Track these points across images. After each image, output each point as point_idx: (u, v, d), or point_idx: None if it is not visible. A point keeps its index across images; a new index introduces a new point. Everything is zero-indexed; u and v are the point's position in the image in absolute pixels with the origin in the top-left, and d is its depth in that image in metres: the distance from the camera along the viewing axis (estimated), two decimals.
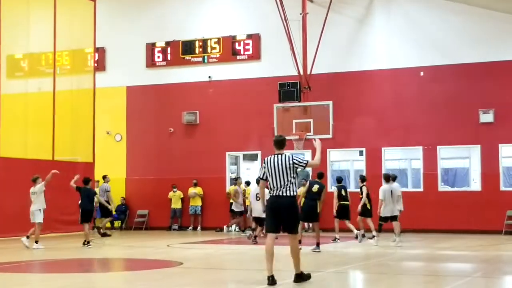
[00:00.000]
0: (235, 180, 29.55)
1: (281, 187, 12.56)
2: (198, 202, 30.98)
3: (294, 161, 12.66)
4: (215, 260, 18.50)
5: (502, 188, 28.01)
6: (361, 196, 23.70)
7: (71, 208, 28.94)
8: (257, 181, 20.17)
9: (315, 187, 20.00)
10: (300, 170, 13.26)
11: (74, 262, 18.84)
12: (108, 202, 28.31)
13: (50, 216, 26.13)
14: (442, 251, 20.61)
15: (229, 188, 29.83)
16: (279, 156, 12.77)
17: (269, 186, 12.79)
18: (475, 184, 28.81)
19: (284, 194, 12.55)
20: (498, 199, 27.57)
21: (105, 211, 28.75)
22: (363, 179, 24.35)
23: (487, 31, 28.41)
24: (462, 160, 30.04)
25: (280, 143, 13.09)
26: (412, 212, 27.94)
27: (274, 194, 12.67)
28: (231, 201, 28.97)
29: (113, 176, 31.77)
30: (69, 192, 28.78)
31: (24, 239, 22.22)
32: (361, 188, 23.98)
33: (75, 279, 14.56)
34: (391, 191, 22.60)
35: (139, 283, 13.86)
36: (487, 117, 28.07)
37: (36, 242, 21.80)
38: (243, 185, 29.34)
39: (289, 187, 12.58)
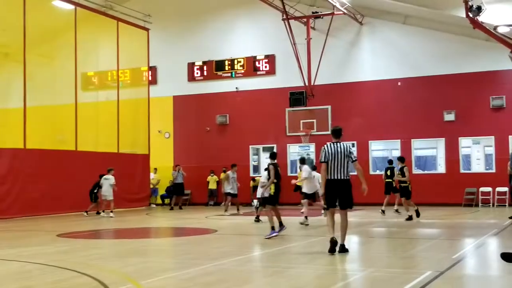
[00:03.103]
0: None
1: (340, 171, 11.63)
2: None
3: (350, 150, 11.84)
4: (244, 228, 18.59)
5: (462, 171, 28.01)
6: (398, 175, 20.52)
7: (132, 190, 29.31)
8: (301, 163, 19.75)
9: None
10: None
11: (136, 230, 19.03)
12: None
13: (117, 196, 26.45)
14: (416, 220, 20.59)
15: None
16: (339, 143, 11.79)
17: (328, 170, 11.68)
18: (440, 168, 28.78)
19: (343, 177, 11.64)
20: (459, 179, 27.57)
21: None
22: (402, 160, 20.80)
23: (449, 50, 28.34)
24: (430, 150, 29.94)
25: (338, 133, 11.99)
26: None
27: (333, 177, 11.67)
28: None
29: (163, 164, 32.01)
30: (131, 177, 29.22)
31: (102, 213, 23.26)
32: (402, 168, 20.30)
33: (137, 243, 14.74)
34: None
35: (184, 246, 14.01)
36: (449, 117, 28.05)
37: (104, 211, 23.94)
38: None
39: (346, 170, 11.68)
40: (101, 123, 28.74)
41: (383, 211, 22.16)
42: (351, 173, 11.87)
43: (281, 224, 15.32)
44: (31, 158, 24.61)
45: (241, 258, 11.53)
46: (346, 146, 11.84)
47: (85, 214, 24.17)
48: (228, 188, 24.69)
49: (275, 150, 30.86)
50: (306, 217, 18.43)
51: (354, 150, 29.27)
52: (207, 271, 10.11)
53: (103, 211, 24.02)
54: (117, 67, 30.00)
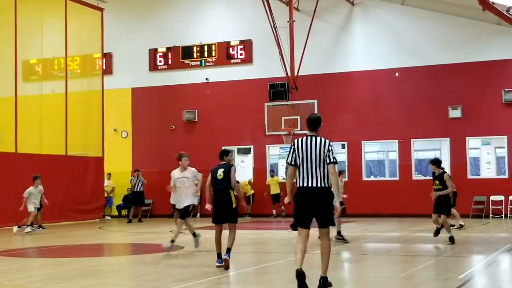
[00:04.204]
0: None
1: (317, 176, 9.68)
2: (197, 192, 30.90)
3: (330, 148, 9.81)
4: (213, 244, 18.47)
5: (469, 176, 28.23)
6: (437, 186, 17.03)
7: (83, 199, 29.07)
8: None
9: (220, 173, 13.38)
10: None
11: (87, 247, 18.85)
12: None
13: (64, 206, 26.27)
14: (416, 234, 20.73)
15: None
16: (314, 138, 9.90)
17: (298, 174, 9.82)
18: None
19: (321, 185, 9.67)
20: (466, 186, 27.64)
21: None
22: (438, 163, 17.47)
23: (454, 36, 28.53)
24: (433, 152, 30.11)
25: (315, 122, 10.16)
26: (389, 198, 28.21)
27: (305, 185, 9.71)
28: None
29: (119, 169, 31.81)
30: (81, 184, 28.98)
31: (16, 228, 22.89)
32: (440, 176, 17.03)
33: (87, 263, 14.57)
34: None
35: (144, 266, 13.90)
36: (455, 113, 28.23)
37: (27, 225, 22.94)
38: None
39: (326, 175, 9.72)
40: (46, 120, 28.45)
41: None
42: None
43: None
44: None
45: (210, 279, 11.45)
46: (325, 141, 9.88)
47: (34, 228, 23.57)
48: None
49: (252, 151, 30.94)
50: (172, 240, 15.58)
51: (344, 152, 29.37)
52: None
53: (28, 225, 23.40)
54: (65, 54, 29.71)
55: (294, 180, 9.98)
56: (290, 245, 17.19)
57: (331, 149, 9.81)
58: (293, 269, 9.01)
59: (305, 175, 9.76)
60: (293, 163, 9.87)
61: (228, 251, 12.71)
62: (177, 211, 16.08)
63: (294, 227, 10.29)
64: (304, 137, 9.92)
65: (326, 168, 9.74)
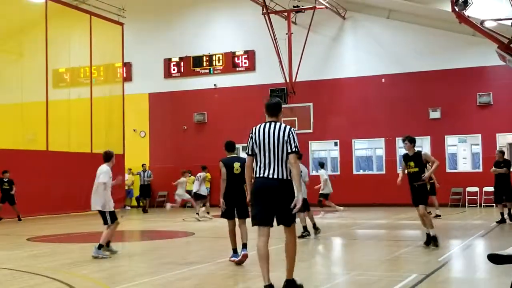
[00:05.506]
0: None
1: (275, 165, 7.75)
2: (207, 184, 30.90)
3: (291, 134, 7.79)
4: (221, 231, 18.44)
5: (448, 170, 28.15)
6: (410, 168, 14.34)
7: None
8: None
9: (237, 167, 11.45)
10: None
11: None
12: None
13: (90, 198, 26.21)
14: (400, 221, 20.71)
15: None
16: (273, 123, 7.97)
17: (256, 164, 7.92)
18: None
19: (280, 176, 7.70)
20: (445, 179, 27.56)
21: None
22: (412, 140, 14.30)
23: (434, 46, 28.48)
24: (416, 149, 30.01)
25: (274, 108, 8.12)
26: (376, 190, 28.15)
27: (260, 175, 7.79)
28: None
29: (138, 164, 31.76)
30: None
31: None
32: (416, 156, 14.49)
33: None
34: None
35: (159, 250, 13.91)
36: (435, 114, 28.20)
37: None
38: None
39: (285, 166, 7.74)
40: (73, 121, 28.50)
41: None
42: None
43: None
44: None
45: (219, 262, 11.44)
46: (285, 128, 7.88)
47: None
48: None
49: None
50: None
51: (336, 149, 29.33)
52: (183, 276, 10.01)
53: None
54: (90, 63, 29.75)
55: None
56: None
57: (292, 136, 7.80)
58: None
59: (261, 164, 7.84)
60: (250, 152, 8.01)
61: (245, 246, 10.91)
62: (101, 213, 13.77)
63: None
64: (263, 123, 8.03)
65: (286, 157, 7.76)
